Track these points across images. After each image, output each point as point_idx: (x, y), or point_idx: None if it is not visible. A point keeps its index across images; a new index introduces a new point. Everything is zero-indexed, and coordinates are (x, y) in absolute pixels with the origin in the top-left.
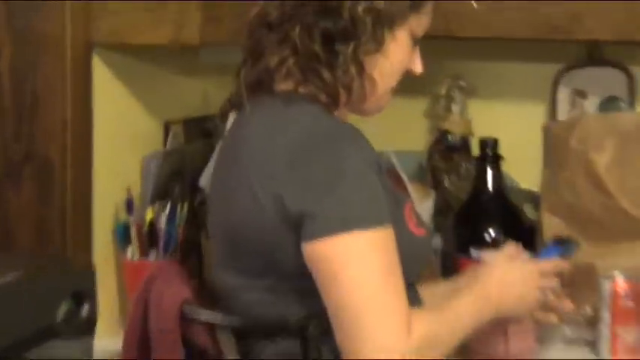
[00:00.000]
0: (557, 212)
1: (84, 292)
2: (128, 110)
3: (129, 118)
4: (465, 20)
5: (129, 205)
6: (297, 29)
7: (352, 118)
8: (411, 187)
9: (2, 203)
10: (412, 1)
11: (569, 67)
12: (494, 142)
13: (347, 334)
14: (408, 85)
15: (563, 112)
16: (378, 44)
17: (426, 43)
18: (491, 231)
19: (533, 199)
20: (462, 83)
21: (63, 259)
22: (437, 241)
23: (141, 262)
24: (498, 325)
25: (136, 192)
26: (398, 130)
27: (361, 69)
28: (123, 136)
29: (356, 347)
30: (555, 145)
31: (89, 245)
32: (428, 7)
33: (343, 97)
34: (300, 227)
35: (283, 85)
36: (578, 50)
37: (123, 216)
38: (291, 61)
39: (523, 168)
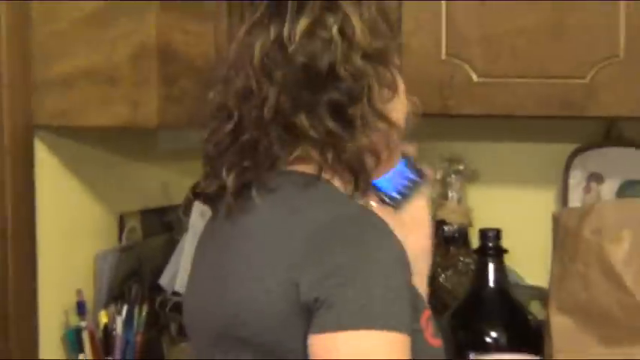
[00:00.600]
0: (568, 311)
1: None
2: (77, 201)
3: (78, 210)
4: (463, 96)
5: (80, 308)
6: (302, 115)
7: None
8: None
9: None
10: (388, 31)
11: (583, 148)
12: (497, 234)
13: None
14: None
15: (575, 199)
16: (394, 85)
17: (419, 122)
18: (493, 333)
19: (541, 296)
20: (460, 167)
21: None
22: None
23: None
24: None
25: (88, 293)
26: None
27: (384, 119)
28: (72, 230)
29: None
30: (566, 236)
31: (35, 354)
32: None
33: (370, 163)
34: (311, 315)
35: (299, 167)
36: (593, 129)
37: (74, 320)
38: (307, 149)
39: (529, 262)
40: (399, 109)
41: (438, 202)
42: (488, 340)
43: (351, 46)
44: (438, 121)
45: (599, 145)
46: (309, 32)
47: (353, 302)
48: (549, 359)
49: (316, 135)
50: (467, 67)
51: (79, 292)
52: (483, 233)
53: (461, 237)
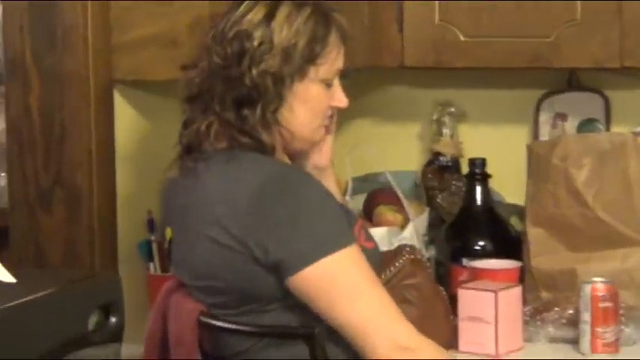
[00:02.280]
0: (541, 223)
1: (111, 304)
2: (148, 141)
3: (148, 148)
4: (454, 52)
5: (150, 225)
6: (215, 99)
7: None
8: (407, 204)
9: (35, 225)
10: (304, 57)
11: (550, 93)
12: (482, 162)
13: (361, 345)
14: (402, 112)
15: (544, 134)
16: (279, 102)
17: (418, 74)
18: (481, 242)
19: (519, 212)
20: (452, 109)
21: (91, 274)
22: (432, 252)
23: (162, 276)
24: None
25: (157, 212)
26: (394, 152)
27: (269, 126)
28: (145, 164)
29: (375, 353)
30: (538, 163)
31: (115, 261)
32: (329, 55)
33: (268, 149)
34: (277, 267)
35: (218, 145)
36: (558, 77)
37: (145, 234)
38: (216, 125)
39: (509, 184)
40: (294, 122)
41: (435, 137)
42: (477, 248)
43: (260, 61)
44: (433, 73)
45: (563, 91)
46: (237, 36)
47: (307, 240)
48: (527, 263)
49: (222, 117)
50: (455, 29)
51: (149, 211)
52: (472, 162)
53: (453, 165)
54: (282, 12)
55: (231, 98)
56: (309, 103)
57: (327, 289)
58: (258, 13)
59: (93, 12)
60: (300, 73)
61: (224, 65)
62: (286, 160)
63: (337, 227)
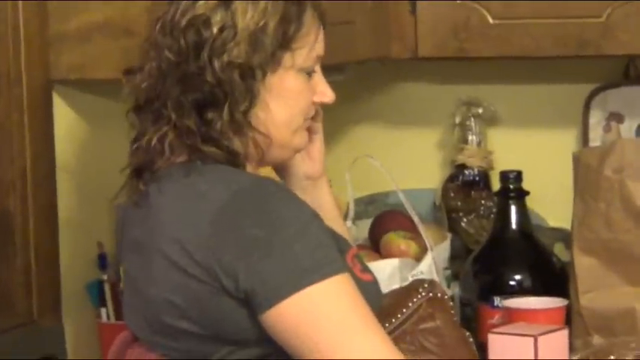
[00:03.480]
0: (591, 251)
1: (53, 357)
2: (96, 154)
3: (98, 162)
4: (479, 38)
5: (102, 261)
6: (169, 105)
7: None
8: (423, 230)
9: None
10: (278, 41)
11: (602, 87)
12: (518, 175)
13: None
14: (416, 114)
15: (595, 139)
16: (251, 99)
17: (436, 66)
18: (517, 276)
19: (564, 237)
20: (479, 110)
21: (28, 322)
22: (455, 290)
23: (117, 325)
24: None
25: (109, 245)
26: (407, 166)
27: (241, 130)
28: (91, 183)
29: None
30: (587, 175)
31: (58, 307)
32: (307, 36)
33: (238, 160)
34: (249, 299)
35: (177, 159)
36: (611, 68)
37: (95, 272)
38: (171, 137)
39: (551, 203)
40: (270, 123)
41: (458, 146)
42: (512, 283)
43: (223, 51)
44: (454, 64)
45: (618, 85)
46: (191, 24)
47: (282, 268)
48: (575, 301)
49: (179, 125)
50: (482, 9)
51: (99, 244)
52: (504, 175)
53: (481, 180)
54: None
55: (190, 101)
56: (286, 98)
57: (307, 328)
58: None
59: None
60: (273, 61)
61: (178, 61)
62: (265, 174)
63: (321, 252)
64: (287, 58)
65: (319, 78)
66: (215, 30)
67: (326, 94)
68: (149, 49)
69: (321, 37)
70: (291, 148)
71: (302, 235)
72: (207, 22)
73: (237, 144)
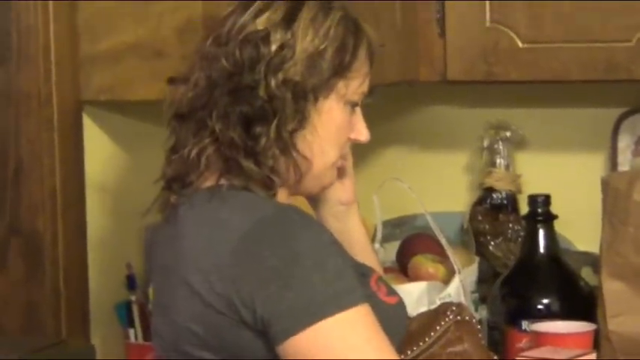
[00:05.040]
0: (620, 276)
1: None
2: (127, 175)
3: (128, 184)
4: (509, 62)
5: (130, 282)
6: (214, 115)
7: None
8: (451, 253)
9: None
10: (334, 67)
11: (631, 111)
12: (546, 199)
13: None
14: (445, 137)
15: (624, 163)
16: (300, 120)
17: (465, 90)
18: (545, 300)
19: (592, 262)
20: (507, 133)
21: (58, 342)
22: (483, 313)
23: (145, 345)
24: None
25: (138, 266)
26: (435, 189)
27: (287, 150)
28: (121, 204)
29: None
30: (616, 200)
31: (87, 328)
32: (360, 69)
33: (275, 181)
34: (266, 329)
35: (206, 180)
36: None
37: (124, 294)
38: (210, 150)
39: (579, 227)
40: (315, 149)
41: (486, 169)
42: (540, 307)
43: (280, 69)
44: (483, 88)
45: None
46: (249, 39)
47: (299, 300)
48: (603, 325)
49: (222, 138)
50: (511, 33)
51: (128, 265)
52: (532, 199)
53: (509, 204)
54: (306, 13)
55: (237, 113)
56: (332, 129)
57: None
58: (275, 13)
59: (56, 14)
60: (327, 87)
61: (231, 72)
62: (298, 202)
63: (339, 283)
64: (341, 86)
65: (359, 116)
66: (274, 47)
67: (362, 132)
68: (198, 60)
69: (369, 74)
70: (321, 183)
71: (320, 266)
72: (266, 39)
73: (277, 164)
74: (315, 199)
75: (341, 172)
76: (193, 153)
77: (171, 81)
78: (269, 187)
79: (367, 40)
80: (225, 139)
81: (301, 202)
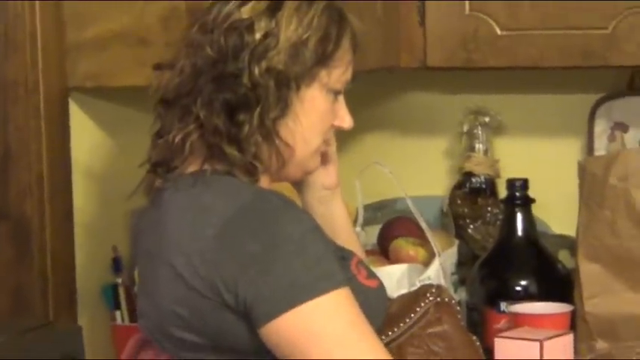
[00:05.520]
0: (597, 258)
1: (71, 358)
2: (112, 161)
3: (113, 169)
4: (487, 49)
5: (116, 264)
6: (199, 102)
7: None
8: (431, 236)
9: None
10: (317, 57)
11: (607, 97)
12: (524, 183)
13: None
14: (425, 123)
15: (601, 148)
16: (283, 108)
17: (444, 76)
18: (523, 282)
19: (569, 245)
20: (486, 119)
21: (46, 323)
22: (462, 295)
23: (130, 327)
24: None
25: (123, 249)
26: (415, 174)
27: (269, 137)
28: (107, 189)
29: None
30: (592, 184)
31: (74, 310)
32: (343, 58)
33: (257, 168)
34: (249, 312)
35: (190, 165)
36: (616, 78)
37: (110, 276)
38: (194, 136)
39: (556, 211)
40: (297, 136)
41: (465, 154)
42: (518, 289)
43: (263, 57)
44: (462, 75)
45: (623, 95)
46: (233, 27)
47: (280, 284)
48: (580, 307)
49: (206, 124)
50: (490, 21)
51: (114, 248)
52: (511, 183)
53: (488, 188)
54: (291, 2)
55: (221, 100)
56: (314, 116)
57: (303, 343)
58: (260, 2)
59: (42, 4)
60: (310, 75)
61: (216, 60)
62: (282, 187)
63: (320, 267)
64: (323, 75)
65: (341, 103)
66: (258, 36)
67: (345, 120)
68: (183, 48)
69: (352, 63)
70: (304, 169)
71: (301, 250)
72: (250, 27)
73: (260, 151)
74: (299, 184)
75: (325, 158)
76: (178, 138)
77: (158, 67)
78: (252, 173)
79: (351, 30)
80: (209, 126)
81: (286, 188)
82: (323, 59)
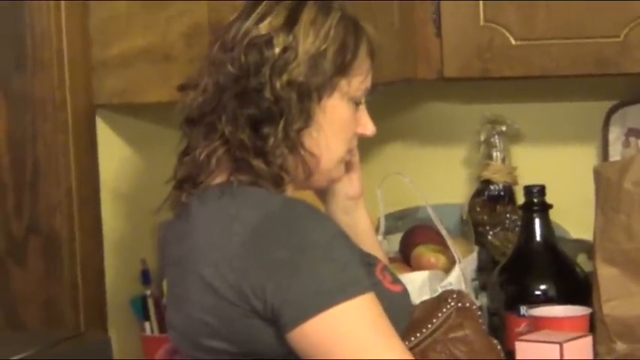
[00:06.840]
0: (614, 262)
1: None
2: (139, 175)
3: (141, 184)
4: (502, 59)
5: (145, 277)
6: (223, 119)
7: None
8: (452, 243)
9: (6, 282)
10: (336, 66)
11: (621, 104)
12: (541, 190)
13: None
14: (443, 132)
15: (615, 154)
16: (306, 119)
17: (461, 86)
18: (542, 286)
19: (587, 249)
20: (503, 127)
21: (76, 334)
22: (483, 300)
23: (160, 337)
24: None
25: (151, 261)
26: (435, 182)
27: (295, 148)
28: (135, 204)
29: None
30: (608, 189)
31: (104, 321)
32: (361, 67)
33: (284, 179)
34: (276, 318)
35: (216, 177)
36: (630, 85)
37: (139, 288)
38: (220, 152)
39: (574, 216)
40: (322, 145)
41: (483, 162)
42: (537, 293)
43: (284, 71)
44: (478, 84)
45: (637, 101)
46: (253, 43)
47: (307, 289)
48: (598, 309)
49: (232, 140)
50: (505, 31)
51: (143, 260)
52: (528, 190)
53: (506, 195)
54: (307, 16)
55: (245, 115)
56: (337, 125)
57: (330, 347)
58: (277, 17)
59: (68, 22)
60: (330, 85)
61: (238, 76)
62: (305, 196)
63: (346, 273)
64: (343, 84)
65: (363, 111)
66: (277, 50)
67: (367, 127)
68: (206, 67)
69: (370, 71)
70: (329, 177)
71: (328, 256)
72: (269, 42)
73: (286, 162)
74: (324, 195)
75: (348, 167)
76: (204, 155)
77: (182, 87)
78: (279, 184)
79: (367, 38)
80: (235, 141)
81: (309, 196)
82: (342, 69)
